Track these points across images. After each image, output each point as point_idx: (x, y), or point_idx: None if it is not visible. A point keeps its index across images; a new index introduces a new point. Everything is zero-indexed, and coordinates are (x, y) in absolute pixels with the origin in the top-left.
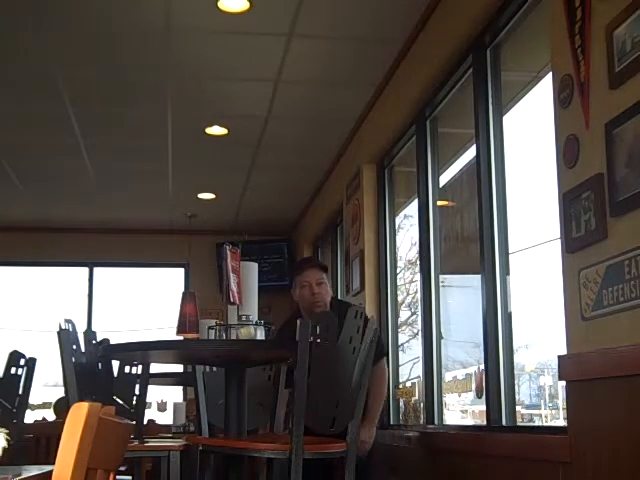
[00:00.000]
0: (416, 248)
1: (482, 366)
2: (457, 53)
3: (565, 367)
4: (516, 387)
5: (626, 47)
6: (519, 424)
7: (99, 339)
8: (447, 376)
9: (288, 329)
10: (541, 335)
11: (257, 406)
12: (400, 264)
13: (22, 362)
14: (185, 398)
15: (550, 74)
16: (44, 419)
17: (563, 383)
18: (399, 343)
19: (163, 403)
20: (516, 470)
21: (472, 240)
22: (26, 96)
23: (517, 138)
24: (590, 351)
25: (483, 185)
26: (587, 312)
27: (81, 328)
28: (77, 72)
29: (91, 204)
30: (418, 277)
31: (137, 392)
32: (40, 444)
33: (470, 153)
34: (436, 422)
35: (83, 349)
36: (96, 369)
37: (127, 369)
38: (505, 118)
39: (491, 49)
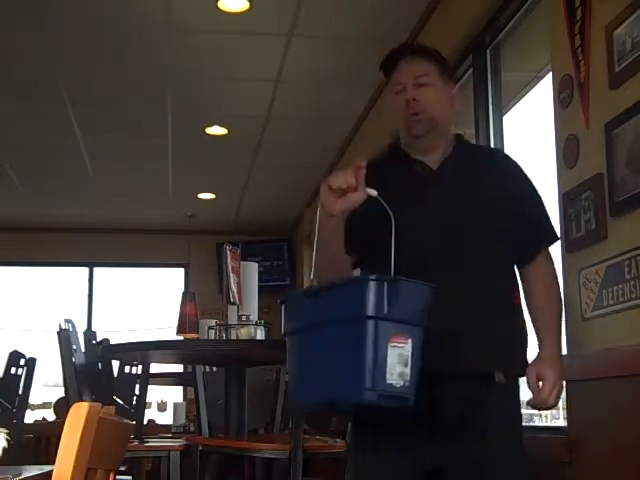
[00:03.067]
0: None
1: None
2: (457, 53)
3: (565, 367)
4: None
5: (626, 47)
6: None
7: (99, 339)
8: None
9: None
10: None
11: (257, 406)
12: None
13: (22, 362)
14: (185, 398)
15: (550, 74)
16: (44, 419)
17: (563, 383)
18: None
19: (163, 403)
20: None
21: None
22: (26, 96)
23: (517, 138)
24: (590, 351)
25: None
26: (587, 312)
27: (81, 328)
28: (77, 72)
29: (91, 204)
30: None
31: (137, 392)
32: (40, 444)
33: None
34: None
35: (83, 349)
36: (96, 369)
37: (127, 369)
38: (505, 118)
39: (491, 49)
